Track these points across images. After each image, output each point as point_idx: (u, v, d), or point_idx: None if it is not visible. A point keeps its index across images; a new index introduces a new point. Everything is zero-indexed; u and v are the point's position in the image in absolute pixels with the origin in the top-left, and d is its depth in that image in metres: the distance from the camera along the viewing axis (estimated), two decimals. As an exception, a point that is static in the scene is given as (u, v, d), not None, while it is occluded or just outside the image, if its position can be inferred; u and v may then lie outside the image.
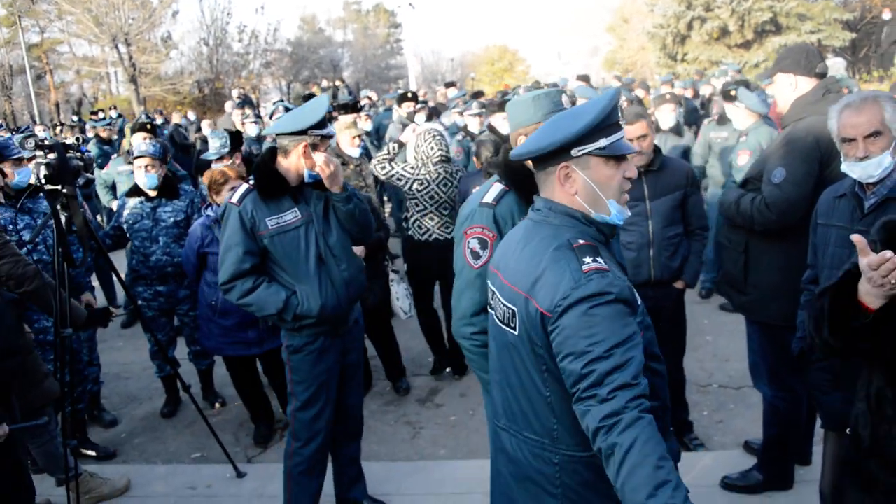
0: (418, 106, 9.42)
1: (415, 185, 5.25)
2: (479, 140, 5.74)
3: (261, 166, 3.35)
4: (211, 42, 28.74)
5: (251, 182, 3.36)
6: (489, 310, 2.12)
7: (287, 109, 9.67)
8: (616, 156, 1.90)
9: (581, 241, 1.87)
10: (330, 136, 3.35)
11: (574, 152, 1.87)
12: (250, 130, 9.97)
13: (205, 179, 4.64)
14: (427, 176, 5.25)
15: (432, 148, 5.28)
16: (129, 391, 5.86)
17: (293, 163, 3.32)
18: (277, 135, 3.35)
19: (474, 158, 5.61)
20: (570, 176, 1.90)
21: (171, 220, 5.10)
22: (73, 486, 3.42)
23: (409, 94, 9.42)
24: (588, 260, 1.82)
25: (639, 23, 25.91)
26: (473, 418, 5.02)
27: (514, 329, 1.92)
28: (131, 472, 4.46)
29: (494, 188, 2.66)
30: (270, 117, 10.56)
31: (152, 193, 5.10)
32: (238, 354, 4.73)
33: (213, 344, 4.73)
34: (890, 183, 2.57)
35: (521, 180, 2.57)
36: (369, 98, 12.65)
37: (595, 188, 1.90)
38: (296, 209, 3.35)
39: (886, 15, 17.06)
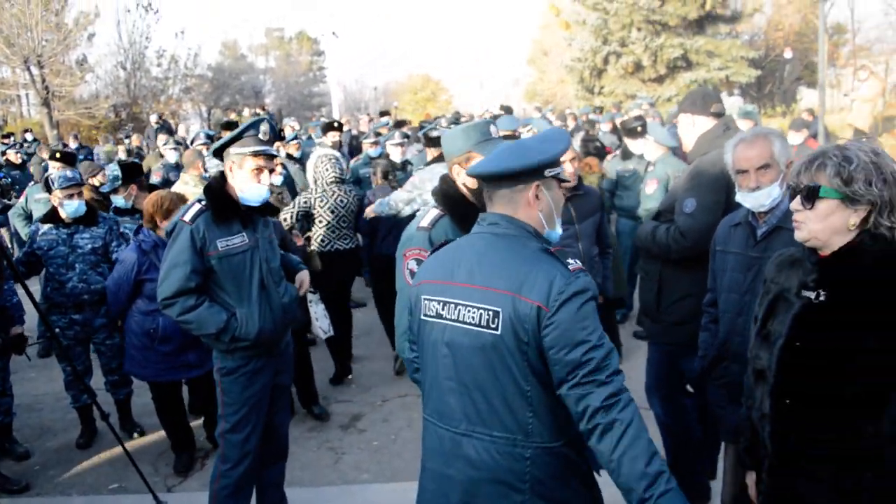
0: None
1: (317, 203, 5.98)
2: (375, 162, 7.05)
3: (214, 189, 3.42)
4: (129, 66, 28.08)
5: (203, 203, 3.40)
6: (428, 320, 2.18)
7: (209, 137, 9.62)
8: (561, 179, 2.18)
9: (553, 248, 2.09)
10: (264, 154, 3.42)
11: (546, 173, 2.10)
12: (169, 157, 9.86)
13: (147, 205, 4.58)
14: (324, 194, 6.02)
15: (327, 170, 6.06)
16: (43, 423, 5.69)
17: (239, 181, 3.42)
18: (223, 154, 3.43)
19: (372, 176, 6.82)
20: (539, 196, 2.10)
21: (89, 246, 5.03)
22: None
23: (335, 124, 9.49)
24: (571, 261, 2.04)
25: (557, 56, 26.64)
26: (395, 443, 5.08)
27: (495, 329, 2.01)
28: (46, 505, 4.35)
29: (430, 213, 2.85)
30: (191, 143, 10.46)
31: (69, 220, 5.02)
32: (177, 379, 4.70)
33: (148, 371, 4.67)
34: (779, 213, 2.81)
35: (455, 206, 2.80)
36: (292, 127, 12.60)
37: (552, 207, 2.14)
38: (244, 234, 3.43)
39: (788, 54, 18.11)
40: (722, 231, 3.08)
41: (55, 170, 6.10)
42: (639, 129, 6.88)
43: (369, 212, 6.18)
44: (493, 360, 2.02)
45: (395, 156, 8.24)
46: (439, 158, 5.63)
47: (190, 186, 6.84)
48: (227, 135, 3.60)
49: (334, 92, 38.77)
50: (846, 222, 1.98)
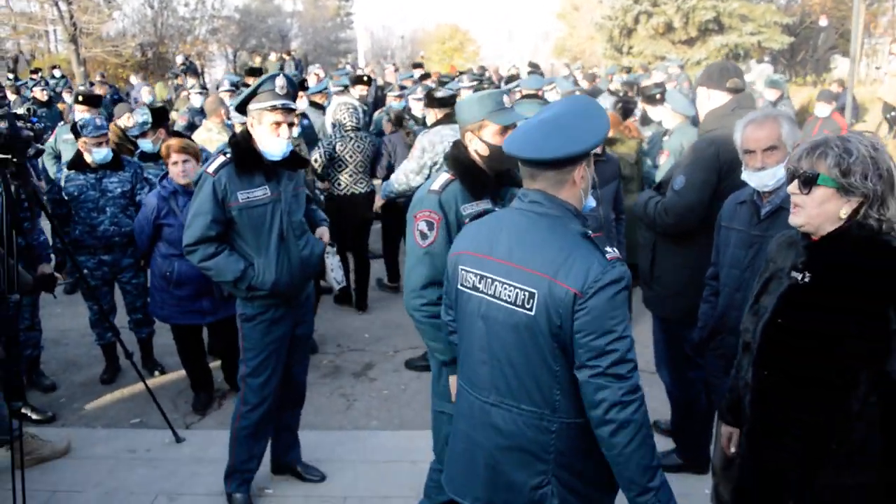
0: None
1: (337, 147, 6.39)
2: (389, 108, 7.86)
3: (240, 142, 3.53)
4: (156, 4, 28.07)
5: (228, 155, 3.53)
6: (465, 290, 2.28)
7: (233, 84, 9.69)
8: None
9: (591, 234, 2.16)
10: (280, 108, 3.49)
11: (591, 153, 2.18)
12: (195, 101, 9.95)
13: (163, 151, 4.74)
14: (343, 140, 6.42)
15: (345, 117, 6.46)
16: (68, 357, 5.93)
17: (259, 136, 3.51)
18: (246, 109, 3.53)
19: (385, 122, 7.37)
20: (583, 175, 2.18)
21: (119, 190, 5.19)
22: (16, 447, 3.53)
23: (364, 78, 9.48)
24: (609, 249, 2.11)
25: (588, 12, 26.23)
26: (405, 392, 5.27)
27: (529, 310, 2.08)
28: (72, 434, 4.58)
29: (441, 177, 2.97)
30: (217, 88, 10.53)
31: (96, 166, 5.18)
32: (192, 323, 4.88)
33: (166, 313, 4.86)
34: (783, 193, 2.87)
35: (466, 172, 2.93)
36: (317, 75, 12.56)
37: (589, 182, 2.22)
38: (266, 186, 3.54)
39: (823, 22, 17.72)
40: (728, 207, 3.17)
41: (81, 113, 6.22)
42: (658, 96, 6.88)
43: (378, 206, 6.56)
44: (526, 338, 2.11)
45: (418, 111, 8.29)
46: (444, 120, 5.68)
47: (214, 133, 6.95)
48: (246, 89, 3.68)
49: (361, 38, 38.59)
50: (838, 211, 2.08)
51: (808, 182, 2.10)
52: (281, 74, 3.51)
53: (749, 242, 2.98)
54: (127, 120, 7.09)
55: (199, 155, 4.77)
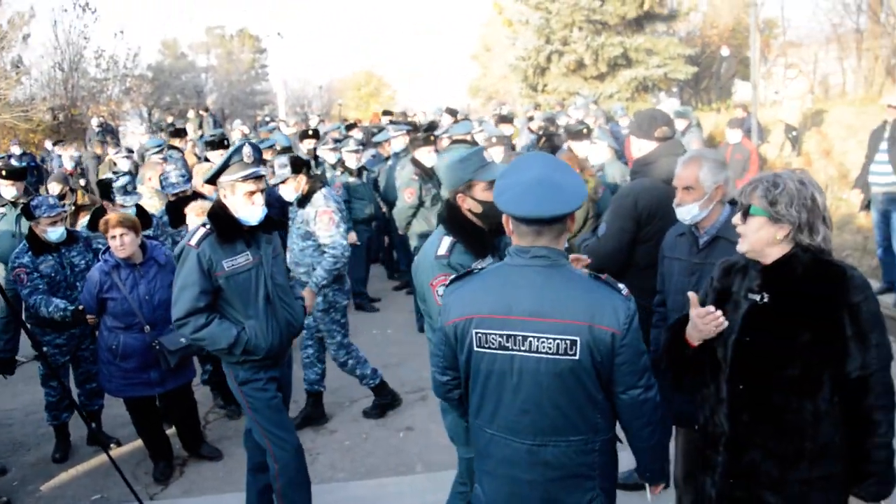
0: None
1: None
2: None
3: (218, 212, 3.65)
4: (66, 67, 27.54)
5: (208, 227, 3.62)
6: (487, 351, 2.37)
7: (158, 146, 9.70)
8: None
9: (603, 276, 2.39)
10: (251, 177, 3.61)
11: None
12: (122, 165, 9.88)
13: (101, 226, 4.74)
14: None
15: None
16: (15, 438, 5.78)
17: (234, 205, 3.62)
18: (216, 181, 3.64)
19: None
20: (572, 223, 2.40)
21: (83, 263, 5.20)
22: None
23: (311, 132, 9.56)
24: (620, 286, 2.36)
25: (501, 53, 26.98)
26: (367, 441, 5.34)
27: (573, 355, 2.27)
28: (32, 516, 4.48)
29: (444, 242, 3.11)
30: (143, 154, 10.48)
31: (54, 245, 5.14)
32: (141, 395, 4.84)
33: (113, 386, 4.83)
34: (718, 224, 3.18)
35: (466, 233, 3.09)
36: (242, 132, 12.58)
37: None
38: (248, 252, 3.65)
39: (725, 52, 18.71)
40: (669, 239, 3.44)
41: (8, 188, 6.08)
42: (584, 131, 7.20)
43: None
44: (570, 381, 2.31)
45: (352, 162, 8.46)
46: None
47: (146, 199, 6.93)
48: (214, 165, 3.80)
49: (278, 90, 38.50)
50: (772, 237, 2.38)
51: (745, 213, 2.42)
52: (247, 144, 3.64)
53: (691, 270, 3.24)
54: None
55: (137, 227, 4.78)
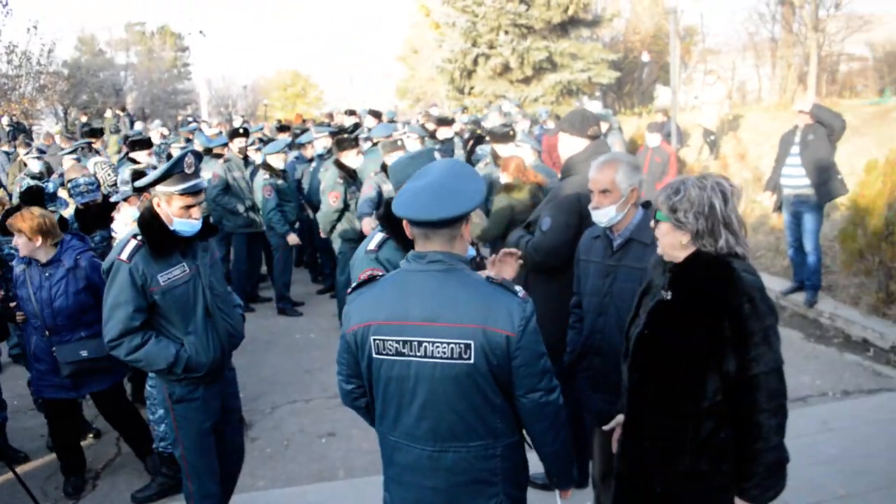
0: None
1: None
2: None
3: (150, 222, 3.38)
4: (-25, 63, 26.40)
5: (139, 238, 3.37)
6: (385, 358, 2.34)
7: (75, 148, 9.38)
8: None
9: (499, 279, 2.38)
10: (190, 191, 3.38)
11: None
12: (32, 166, 9.50)
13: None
14: None
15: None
16: None
17: (169, 216, 3.40)
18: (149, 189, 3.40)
19: None
20: (469, 228, 2.40)
21: None
22: None
23: (241, 130, 9.31)
24: (517, 288, 2.37)
25: (428, 55, 27.01)
26: (288, 448, 5.27)
27: (468, 359, 2.26)
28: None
29: (376, 237, 3.16)
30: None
31: None
32: (57, 398, 4.66)
33: (35, 385, 4.77)
34: (631, 227, 3.25)
35: (399, 230, 2.99)
36: (161, 133, 12.26)
37: (469, 236, 2.43)
38: (183, 264, 3.44)
39: (645, 57, 19.21)
40: (584, 242, 3.50)
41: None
42: (510, 133, 7.26)
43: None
44: (466, 385, 2.30)
45: (278, 163, 8.34)
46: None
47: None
48: (152, 174, 3.48)
49: (201, 89, 37.72)
50: (678, 241, 2.47)
51: (656, 219, 2.51)
52: (189, 153, 3.39)
53: (605, 272, 3.30)
54: None
55: (36, 229, 4.46)
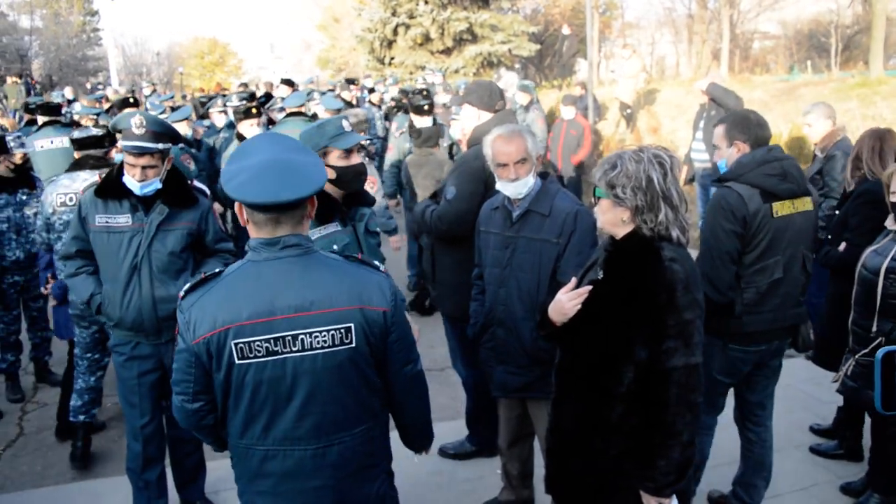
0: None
1: None
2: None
3: (112, 170, 3.59)
4: None
5: (100, 178, 3.59)
6: (252, 361, 2.13)
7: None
8: None
9: (358, 255, 2.33)
10: (131, 150, 3.42)
11: None
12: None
13: None
14: None
15: None
16: None
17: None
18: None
19: None
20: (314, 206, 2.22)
21: None
22: None
23: (131, 100, 8.83)
24: (376, 263, 2.30)
25: (349, 25, 26.63)
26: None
27: (350, 343, 2.14)
28: None
29: None
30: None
31: None
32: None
33: None
34: (530, 198, 3.24)
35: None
36: (67, 99, 11.74)
37: None
38: (129, 216, 3.49)
39: (566, 30, 19.33)
40: (484, 213, 3.47)
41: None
42: (426, 107, 7.22)
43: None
44: (348, 370, 2.18)
45: (183, 131, 8.06)
46: None
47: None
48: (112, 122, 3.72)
49: (112, 56, 36.21)
50: (619, 218, 2.40)
51: (595, 195, 2.44)
52: (138, 114, 3.40)
53: (505, 244, 3.28)
54: None
55: None
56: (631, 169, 2.33)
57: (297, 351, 2.12)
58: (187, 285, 2.23)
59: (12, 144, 5.22)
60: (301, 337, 2.12)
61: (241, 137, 6.92)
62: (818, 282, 4.57)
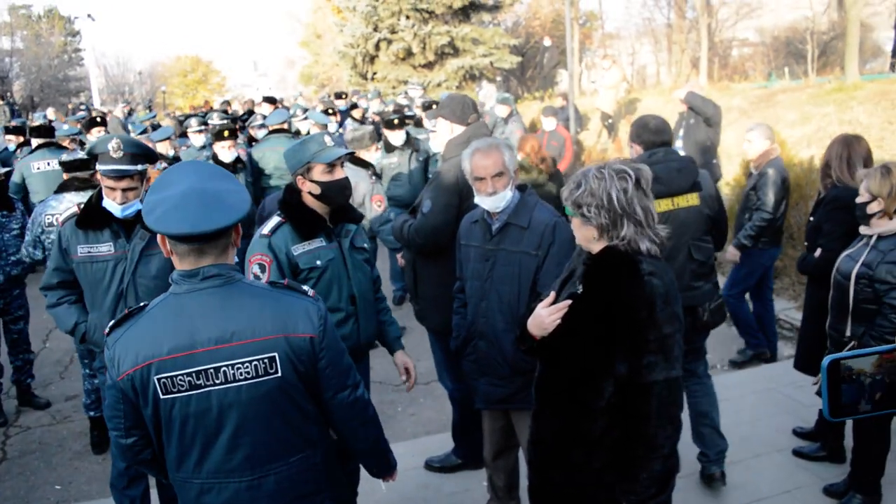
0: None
1: None
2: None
3: (91, 197, 3.58)
4: None
5: (80, 208, 3.59)
6: (177, 395, 2.09)
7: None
8: None
9: (284, 281, 2.27)
10: (110, 174, 3.45)
11: None
12: None
13: None
14: None
15: None
16: None
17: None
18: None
19: None
20: (239, 234, 2.19)
21: None
22: None
23: (99, 119, 8.85)
24: (305, 288, 2.26)
25: (331, 41, 26.68)
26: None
27: (275, 373, 2.10)
28: None
29: (272, 221, 3.20)
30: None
31: None
32: None
33: None
34: (509, 211, 3.27)
35: (296, 215, 3.16)
36: (49, 120, 11.73)
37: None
38: (111, 243, 3.51)
39: (547, 42, 19.48)
40: (464, 227, 3.50)
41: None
42: (395, 121, 7.29)
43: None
44: (278, 399, 2.14)
45: (165, 151, 8.05)
46: None
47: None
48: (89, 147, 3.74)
49: (94, 76, 36.10)
50: (591, 235, 2.39)
51: (566, 214, 2.45)
52: (115, 138, 3.43)
53: (485, 256, 3.31)
54: None
55: None
56: (594, 187, 2.33)
57: (221, 383, 2.08)
58: (112, 321, 2.20)
59: None
60: (223, 369, 2.07)
61: (216, 159, 6.86)
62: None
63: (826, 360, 3.33)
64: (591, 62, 23.08)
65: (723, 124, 8.38)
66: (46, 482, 4.73)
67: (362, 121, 12.09)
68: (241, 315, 2.08)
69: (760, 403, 5.17)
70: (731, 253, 5.84)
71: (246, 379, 2.09)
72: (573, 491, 2.50)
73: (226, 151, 6.85)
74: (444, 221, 3.80)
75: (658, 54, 23.08)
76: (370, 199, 5.96)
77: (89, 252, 3.51)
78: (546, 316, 2.47)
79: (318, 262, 3.17)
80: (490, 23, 20.76)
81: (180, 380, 2.07)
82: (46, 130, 8.45)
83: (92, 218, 3.52)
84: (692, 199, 3.86)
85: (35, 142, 8.24)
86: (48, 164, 7.89)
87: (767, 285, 6.17)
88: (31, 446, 5.21)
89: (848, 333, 3.62)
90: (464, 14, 19.36)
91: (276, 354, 2.10)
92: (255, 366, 2.09)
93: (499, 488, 3.79)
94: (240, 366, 2.08)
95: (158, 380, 2.07)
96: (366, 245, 3.46)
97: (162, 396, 2.09)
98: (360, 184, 5.76)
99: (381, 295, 3.64)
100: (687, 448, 3.69)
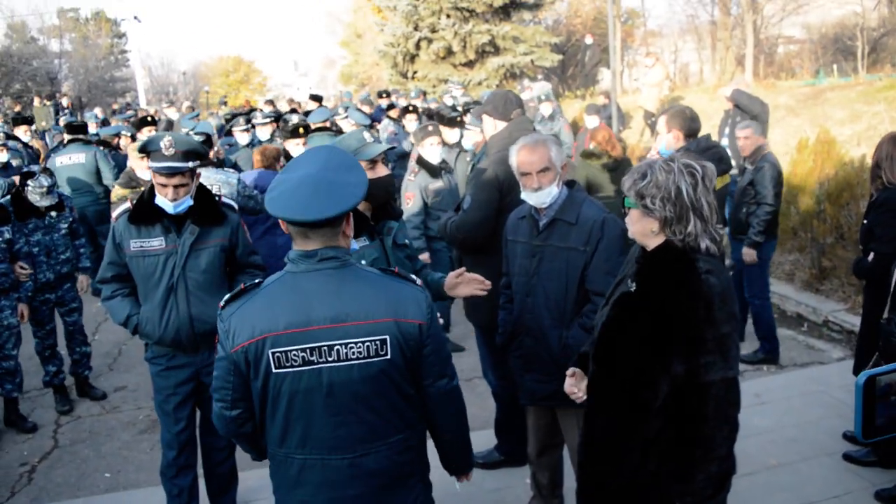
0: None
1: None
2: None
3: (143, 193, 3.66)
4: None
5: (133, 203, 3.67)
6: (288, 370, 2.15)
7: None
8: None
9: (394, 269, 2.35)
10: (162, 171, 3.50)
11: None
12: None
13: None
14: None
15: None
16: None
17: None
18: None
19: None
20: (351, 223, 2.25)
21: None
22: None
23: (149, 119, 9.01)
24: (413, 277, 2.32)
25: (371, 39, 26.79)
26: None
27: (385, 355, 2.16)
28: None
29: None
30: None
31: None
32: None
33: None
34: (556, 207, 3.25)
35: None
36: (96, 124, 12.04)
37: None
38: (162, 238, 3.59)
39: (588, 40, 19.32)
40: (511, 223, 3.49)
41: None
42: (458, 119, 7.26)
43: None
44: (383, 381, 2.20)
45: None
46: None
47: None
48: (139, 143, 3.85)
49: (139, 76, 36.77)
50: (648, 229, 2.34)
51: (625, 206, 2.39)
52: (167, 135, 3.49)
53: (532, 252, 3.30)
54: None
55: None
56: (661, 179, 2.27)
57: (333, 361, 2.15)
58: (227, 295, 2.27)
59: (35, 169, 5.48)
60: (337, 347, 2.14)
61: (287, 156, 6.92)
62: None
63: (861, 378, 3.20)
64: (632, 60, 22.86)
65: (770, 122, 8.24)
66: (97, 470, 4.84)
67: (398, 120, 12.15)
68: (355, 297, 2.16)
69: (808, 406, 5.07)
70: (748, 254, 5.81)
71: (357, 359, 2.16)
72: (627, 493, 2.44)
73: (297, 148, 6.83)
74: (483, 217, 3.80)
75: (701, 52, 22.74)
76: (403, 196, 6.05)
77: (141, 247, 3.59)
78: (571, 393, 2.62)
79: (363, 262, 3.12)
80: (531, 21, 20.66)
81: (294, 355, 2.14)
82: (76, 127, 8.80)
83: (144, 214, 3.60)
84: (726, 179, 3.98)
85: (66, 137, 8.66)
86: (70, 158, 8.22)
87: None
88: (82, 435, 5.34)
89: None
90: (504, 12, 19.28)
91: (387, 337, 2.17)
92: (367, 346, 2.16)
93: (542, 486, 3.77)
94: (353, 345, 2.15)
95: (272, 354, 2.14)
96: (407, 241, 3.42)
97: (274, 370, 2.16)
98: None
99: None
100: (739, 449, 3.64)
